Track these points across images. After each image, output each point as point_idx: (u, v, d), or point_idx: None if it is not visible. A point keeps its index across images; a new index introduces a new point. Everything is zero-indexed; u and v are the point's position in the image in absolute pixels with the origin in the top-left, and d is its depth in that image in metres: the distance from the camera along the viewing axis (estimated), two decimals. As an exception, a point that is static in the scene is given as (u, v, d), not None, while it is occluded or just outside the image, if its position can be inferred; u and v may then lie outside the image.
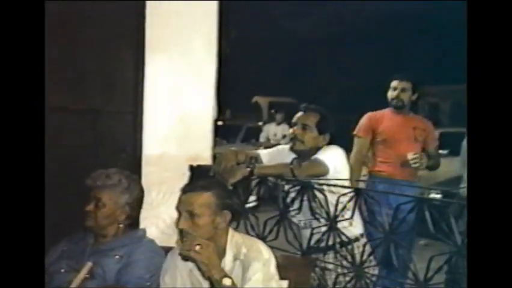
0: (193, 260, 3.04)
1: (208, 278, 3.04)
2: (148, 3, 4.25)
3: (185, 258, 3.09)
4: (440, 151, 6.14)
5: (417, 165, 5.52)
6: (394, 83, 5.83)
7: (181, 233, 3.09)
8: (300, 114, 4.32)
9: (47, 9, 3.92)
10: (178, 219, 3.13)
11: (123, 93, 4.31)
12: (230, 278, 2.97)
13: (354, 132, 5.90)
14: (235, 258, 3.15)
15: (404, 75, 5.90)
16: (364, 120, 5.94)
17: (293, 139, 4.27)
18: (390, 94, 5.83)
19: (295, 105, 4.77)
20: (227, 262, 3.12)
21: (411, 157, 5.47)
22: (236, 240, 3.21)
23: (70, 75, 4.21)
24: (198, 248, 2.96)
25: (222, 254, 3.14)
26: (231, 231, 3.25)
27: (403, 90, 5.79)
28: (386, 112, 5.90)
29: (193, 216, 3.09)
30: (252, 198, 4.33)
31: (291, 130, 4.36)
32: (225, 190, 3.31)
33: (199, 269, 3.07)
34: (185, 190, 3.19)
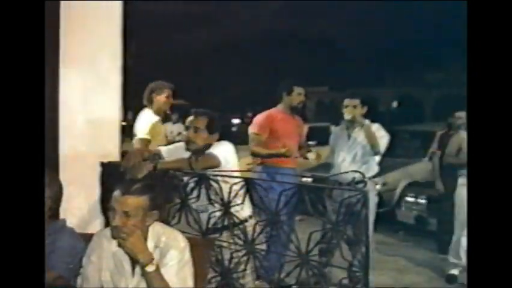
0: (121, 245, 3.01)
1: (135, 261, 3.03)
2: (62, 22, 4.16)
3: (119, 244, 3.04)
4: (310, 142, 6.28)
5: (313, 157, 5.93)
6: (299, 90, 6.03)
7: (115, 227, 3.01)
8: (191, 118, 4.29)
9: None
10: (114, 216, 3.03)
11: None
12: (154, 264, 2.97)
13: (253, 131, 5.89)
14: (156, 246, 3.11)
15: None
16: (261, 119, 5.97)
17: (187, 141, 4.26)
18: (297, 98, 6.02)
19: (188, 106, 4.75)
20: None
21: (311, 156, 5.78)
22: (157, 230, 3.17)
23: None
24: (124, 235, 2.96)
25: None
26: (154, 223, 3.19)
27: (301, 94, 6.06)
28: (276, 112, 6.01)
29: (128, 216, 3.01)
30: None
31: (185, 133, 4.37)
32: (156, 192, 3.23)
33: (127, 253, 3.04)
34: (123, 192, 3.06)
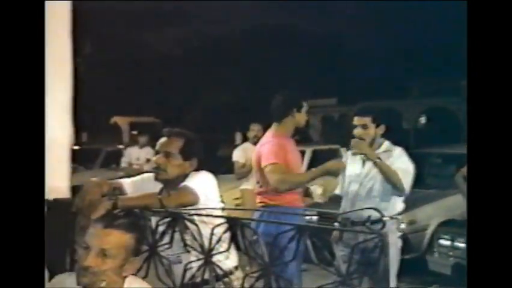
0: None
1: None
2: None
3: None
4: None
5: (319, 192, 5.91)
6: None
7: (86, 268, 2.99)
8: (162, 140, 4.28)
9: None
10: (87, 253, 3.02)
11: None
12: None
13: (270, 162, 5.62)
14: None
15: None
16: (277, 146, 5.71)
17: (156, 168, 4.23)
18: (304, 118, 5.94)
19: (159, 125, 4.69)
20: None
21: (317, 192, 5.67)
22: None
23: None
24: (103, 284, 2.96)
25: None
26: (130, 277, 3.20)
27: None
28: (282, 139, 5.82)
29: (106, 255, 3.01)
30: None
31: (154, 158, 4.31)
32: (143, 233, 3.28)
33: None
34: (105, 224, 3.08)
